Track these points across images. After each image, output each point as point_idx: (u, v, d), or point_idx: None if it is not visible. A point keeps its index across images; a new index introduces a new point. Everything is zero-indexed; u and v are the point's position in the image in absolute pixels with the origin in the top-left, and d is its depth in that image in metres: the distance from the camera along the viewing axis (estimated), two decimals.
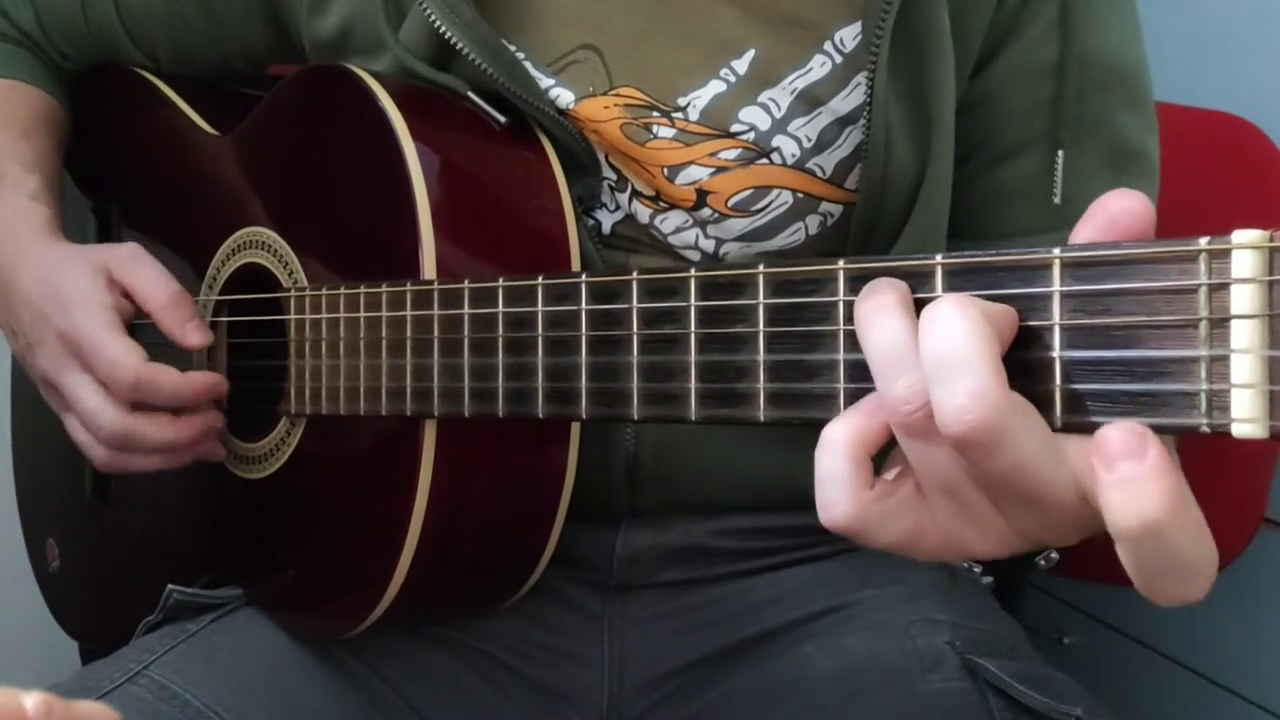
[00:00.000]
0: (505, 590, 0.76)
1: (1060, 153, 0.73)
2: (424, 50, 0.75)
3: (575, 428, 0.72)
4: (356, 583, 0.71)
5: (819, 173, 0.74)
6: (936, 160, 0.72)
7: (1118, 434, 0.38)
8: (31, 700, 0.39)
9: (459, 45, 0.72)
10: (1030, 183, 0.75)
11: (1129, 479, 0.38)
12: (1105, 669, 1.23)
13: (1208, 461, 0.95)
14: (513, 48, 0.74)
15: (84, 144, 0.95)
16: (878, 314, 0.43)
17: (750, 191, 0.74)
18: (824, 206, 0.75)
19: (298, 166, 0.78)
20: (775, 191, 0.74)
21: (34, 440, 1.04)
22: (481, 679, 0.78)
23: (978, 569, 0.77)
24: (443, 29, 0.72)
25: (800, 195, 0.74)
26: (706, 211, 0.74)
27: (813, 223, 0.75)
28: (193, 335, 0.76)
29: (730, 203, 0.74)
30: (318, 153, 0.77)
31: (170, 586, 0.77)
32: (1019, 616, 0.80)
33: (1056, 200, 0.73)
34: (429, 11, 0.72)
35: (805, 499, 0.79)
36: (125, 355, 0.73)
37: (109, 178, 0.96)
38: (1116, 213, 0.42)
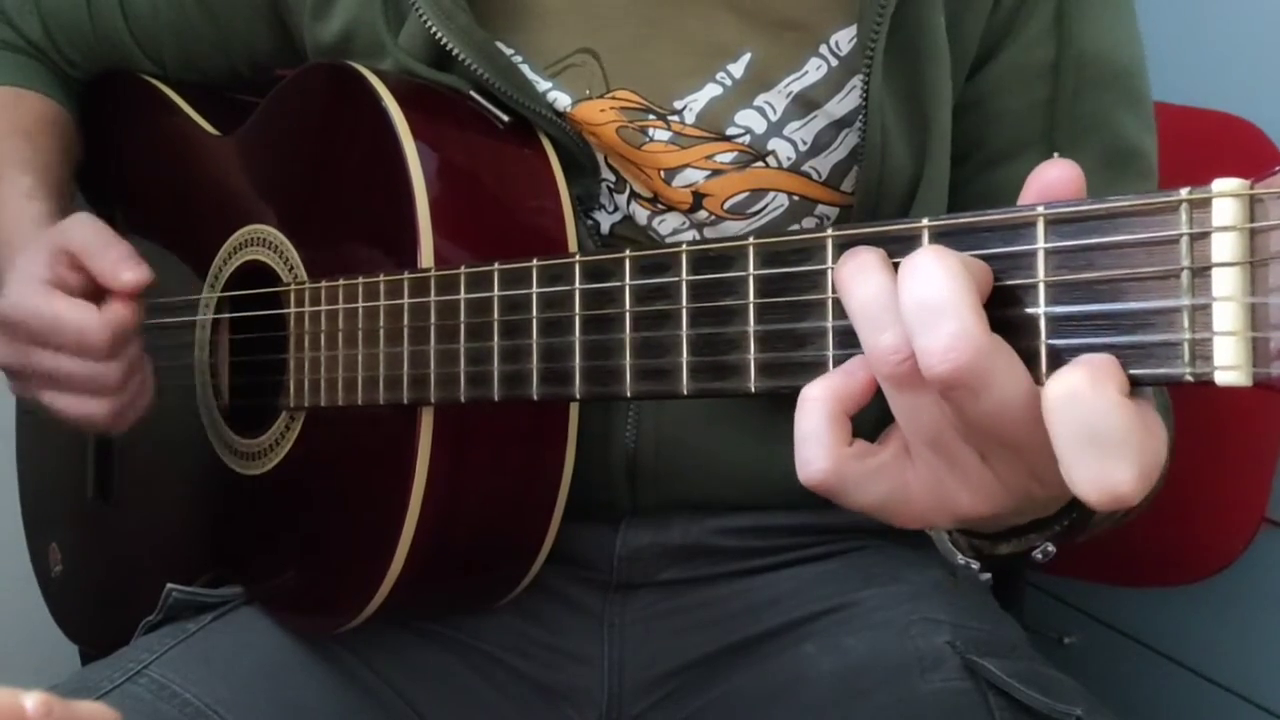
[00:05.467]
0: (502, 587, 0.77)
1: (1055, 156, 0.73)
2: (423, 54, 0.75)
3: (573, 421, 0.72)
4: (353, 575, 0.71)
5: (815, 175, 0.74)
6: (933, 162, 0.71)
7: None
8: (31, 700, 0.39)
9: (455, 51, 0.72)
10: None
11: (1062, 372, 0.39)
12: (1105, 669, 1.23)
13: (1208, 461, 0.95)
14: (509, 51, 0.74)
15: (91, 150, 0.96)
16: (858, 274, 0.44)
17: (746, 194, 0.74)
18: (820, 209, 0.75)
19: (299, 163, 0.79)
20: (771, 194, 0.74)
21: (37, 446, 1.04)
22: (481, 678, 0.78)
23: (975, 565, 0.76)
24: (438, 34, 0.72)
25: (796, 198, 0.74)
26: (703, 214, 0.74)
27: (809, 225, 0.75)
28: (125, 272, 0.73)
29: (726, 205, 0.74)
30: (319, 149, 0.77)
31: (169, 586, 0.78)
32: (1019, 616, 0.80)
33: None
34: (425, 17, 0.72)
35: (806, 498, 0.79)
36: (84, 316, 0.72)
37: (115, 182, 0.96)
38: (1052, 181, 0.43)
